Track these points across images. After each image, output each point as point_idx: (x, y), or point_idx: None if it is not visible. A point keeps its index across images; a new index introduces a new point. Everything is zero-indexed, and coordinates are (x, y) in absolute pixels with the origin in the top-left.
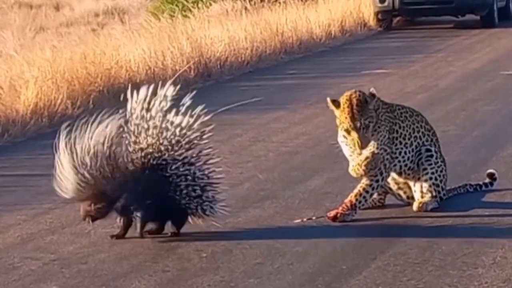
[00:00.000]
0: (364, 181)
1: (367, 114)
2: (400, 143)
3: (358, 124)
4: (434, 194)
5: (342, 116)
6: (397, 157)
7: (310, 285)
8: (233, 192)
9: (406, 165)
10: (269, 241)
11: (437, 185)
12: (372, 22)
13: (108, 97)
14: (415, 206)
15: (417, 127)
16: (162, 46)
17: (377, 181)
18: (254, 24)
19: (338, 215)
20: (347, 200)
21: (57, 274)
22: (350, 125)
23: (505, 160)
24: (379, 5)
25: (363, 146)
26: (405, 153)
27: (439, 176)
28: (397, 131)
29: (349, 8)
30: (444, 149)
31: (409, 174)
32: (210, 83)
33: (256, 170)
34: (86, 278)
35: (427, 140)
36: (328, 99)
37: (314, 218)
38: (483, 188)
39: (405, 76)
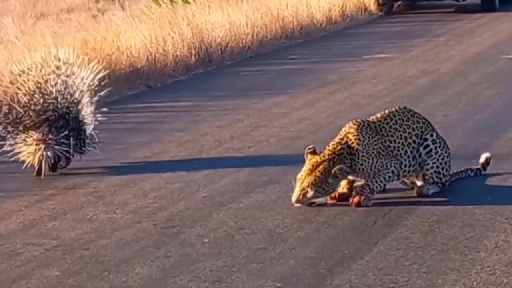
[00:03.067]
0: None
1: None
2: (396, 155)
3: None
4: (435, 180)
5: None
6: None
7: (313, 269)
8: (235, 177)
9: (405, 171)
10: (271, 226)
11: (438, 172)
12: (373, 6)
13: (109, 83)
14: (416, 191)
15: (409, 133)
16: (162, 32)
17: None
18: (255, 9)
19: (362, 200)
20: (364, 184)
21: (59, 260)
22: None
23: (507, 144)
24: None
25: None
26: (401, 162)
27: (440, 164)
28: (389, 146)
29: None
30: (446, 134)
31: (411, 175)
32: (211, 68)
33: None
34: (88, 264)
35: (422, 138)
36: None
37: (314, 205)
38: (482, 172)
39: (406, 60)
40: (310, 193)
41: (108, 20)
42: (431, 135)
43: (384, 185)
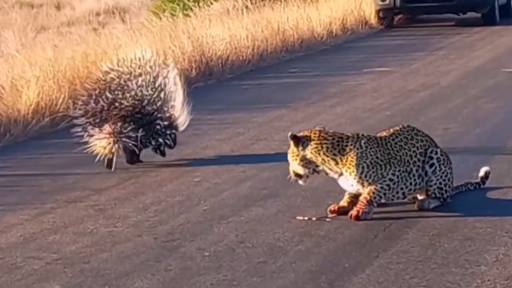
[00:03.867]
0: (372, 188)
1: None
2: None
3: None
4: (438, 196)
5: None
6: (402, 188)
7: (313, 283)
8: (236, 191)
9: (411, 190)
10: (271, 239)
11: (441, 188)
12: (373, 20)
13: None
14: (417, 205)
15: (413, 151)
16: (163, 45)
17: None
18: (255, 23)
19: (360, 213)
20: (362, 198)
21: (60, 274)
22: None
23: (507, 157)
24: (380, 3)
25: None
26: (407, 180)
27: (444, 180)
28: (393, 162)
29: (350, 7)
30: (446, 147)
31: (417, 192)
32: (211, 81)
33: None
34: (89, 277)
35: (427, 156)
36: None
37: (314, 219)
38: (481, 186)
39: (407, 74)
40: (295, 165)
41: (109, 33)
42: (436, 153)
43: (385, 194)
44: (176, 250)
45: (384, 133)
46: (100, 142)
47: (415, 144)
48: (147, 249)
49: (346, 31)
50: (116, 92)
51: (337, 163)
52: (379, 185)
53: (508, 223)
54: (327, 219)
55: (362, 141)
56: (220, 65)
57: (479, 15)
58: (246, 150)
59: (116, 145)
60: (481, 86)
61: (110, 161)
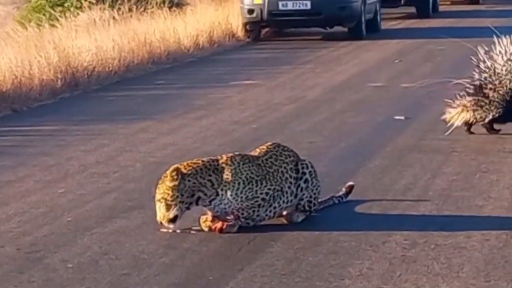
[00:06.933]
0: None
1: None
2: (274, 189)
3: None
4: (306, 209)
5: None
6: (275, 207)
7: None
8: (100, 202)
9: (282, 208)
10: (135, 251)
11: (310, 202)
12: (240, 33)
13: None
14: (285, 218)
15: (284, 168)
16: (28, 55)
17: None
18: (122, 34)
19: (224, 226)
20: (230, 212)
21: None
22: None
23: (372, 171)
24: (248, 16)
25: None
26: (280, 198)
27: (314, 194)
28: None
29: (217, 19)
30: (312, 161)
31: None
32: (77, 92)
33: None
34: None
35: (300, 172)
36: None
37: (178, 231)
38: (344, 199)
39: (273, 87)
40: (163, 204)
41: None
42: (307, 167)
43: (254, 212)
44: (40, 262)
45: (254, 152)
46: (454, 111)
47: (284, 160)
48: (10, 260)
49: (213, 44)
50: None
51: (212, 184)
52: (250, 203)
53: (372, 237)
54: (192, 231)
55: (237, 158)
56: (86, 76)
57: (346, 29)
58: (111, 161)
59: (466, 115)
60: (347, 100)
61: (469, 128)
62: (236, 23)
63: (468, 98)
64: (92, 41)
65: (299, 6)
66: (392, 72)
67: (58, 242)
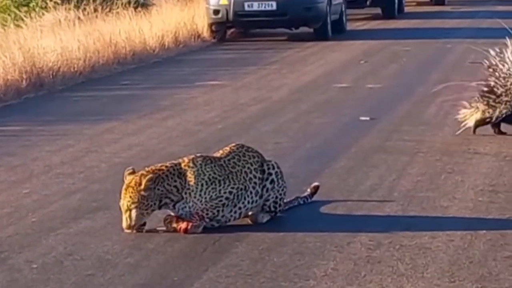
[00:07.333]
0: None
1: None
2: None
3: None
4: (272, 209)
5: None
6: (240, 207)
7: None
8: (65, 203)
9: (247, 208)
10: (100, 252)
11: (276, 202)
12: (206, 33)
13: None
14: (250, 219)
15: (248, 168)
16: None
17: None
18: (87, 34)
19: (189, 227)
20: (194, 213)
21: None
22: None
23: (337, 172)
24: (213, 16)
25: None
26: (245, 198)
27: (280, 194)
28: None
29: (183, 19)
30: (277, 161)
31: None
32: (42, 93)
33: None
34: None
35: (266, 173)
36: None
37: (144, 231)
38: (309, 200)
39: (239, 87)
40: (134, 212)
41: None
42: (273, 167)
43: (218, 211)
44: (4, 262)
45: (217, 153)
46: (468, 110)
47: (248, 160)
48: None
49: (178, 44)
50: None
51: (178, 190)
52: (214, 202)
53: (337, 238)
54: (158, 229)
55: (198, 160)
56: (51, 76)
57: (311, 30)
58: (76, 162)
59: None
60: (313, 101)
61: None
62: (202, 24)
63: (481, 99)
64: (58, 41)
65: (265, 7)
66: (358, 73)
67: (22, 243)
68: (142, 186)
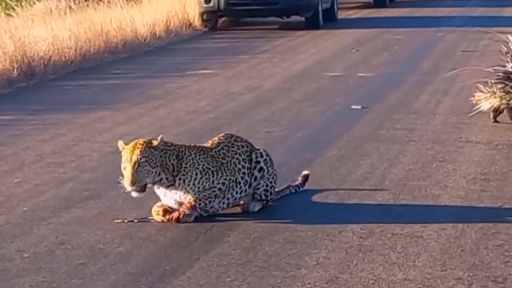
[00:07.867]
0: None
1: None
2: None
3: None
4: (263, 198)
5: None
6: (228, 198)
7: (133, 285)
8: (56, 192)
9: (235, 198)
10: (92, 241)
11: (267, 191)
12: (197, 22)
13: None
14: (242, 208)
15: (237, 159)
16: None
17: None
18: (79, 24)
19: (181, 216)
20: (186, 202)
21: None
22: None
23: (329, 161)
24: (204, 5)
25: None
26: (234, 188)
27: (270, 183)
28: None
29: (174, 8)
30: (269, 150)
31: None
32: (33, 82)
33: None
34: None
35: (254, 162)
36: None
37: (136, 221)
38: (301, 188)
39: (230, 76)
40: (141, 166)
41: None
42: (262, 155)
43: (210, 202)
44: None
45: (206, 143)
46: (482, 95)
47: (236, 151)
48: None
49: (169, 33)
50: None
51: (173, 170)
52: (207, 193)
53: (329, 227)
54: (150, 218)
55: (194, 149)
56: (42, 66)
57: (303, 18)
58: (67, 151)
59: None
60: (304, 89)
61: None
62: (193, 13)
63: (498, 86)
64: (49, 30)
65: None
66: (349, 61)
67: (14, 232)
68: (156, 143)
